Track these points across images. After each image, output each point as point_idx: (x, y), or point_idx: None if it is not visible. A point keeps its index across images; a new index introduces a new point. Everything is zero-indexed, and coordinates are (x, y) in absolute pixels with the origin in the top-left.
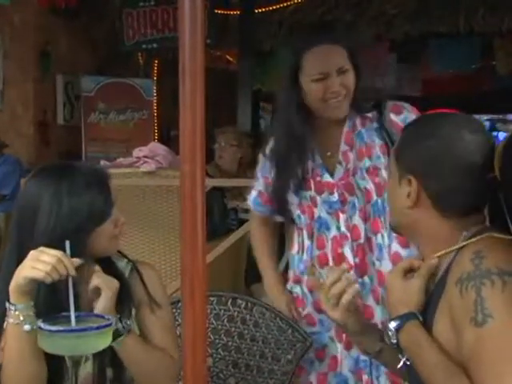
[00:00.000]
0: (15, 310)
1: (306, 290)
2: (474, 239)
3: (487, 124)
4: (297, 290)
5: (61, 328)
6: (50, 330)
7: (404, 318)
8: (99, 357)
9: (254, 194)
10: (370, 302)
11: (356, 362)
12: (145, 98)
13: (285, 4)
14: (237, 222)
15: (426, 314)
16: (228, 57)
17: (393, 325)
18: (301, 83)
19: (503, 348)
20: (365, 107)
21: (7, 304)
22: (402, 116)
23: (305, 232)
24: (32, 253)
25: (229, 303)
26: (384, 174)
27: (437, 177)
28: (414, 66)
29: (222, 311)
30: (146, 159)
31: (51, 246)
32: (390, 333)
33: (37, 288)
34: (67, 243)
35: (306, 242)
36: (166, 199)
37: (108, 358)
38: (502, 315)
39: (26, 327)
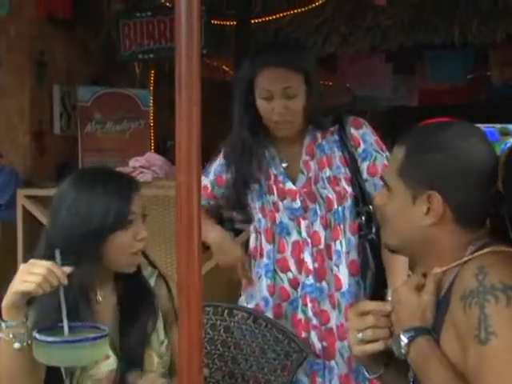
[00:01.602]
0: (6, 327)
1: (265, 293)
2: (478, 253)
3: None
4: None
5: (57, 339)
6: (45, 341)
7: (418, 331)
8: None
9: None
10: (327, 306)
11: (310, 365)
12: (141, 107)
13: (281, 15)
14: (233, 232)
15: (433, 330)
16: (224, 67)
17: (405, 336)
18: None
19: (508, 366)
20: (325, 123)
21: None
22: (361, 131)
23: (263, 236)
24: (22, 266)
25: (225, 313)
26: (344, 183)
27: (460, 188)
28: (409, 76)
29: (219, 321)
30: (142, 169)
31: (68, 248)
32: (402, 343)
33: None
34: (57, 252)
35: (267, 246)
36: (163, 209)
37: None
38: (506, 332)
39: (16, 345)
